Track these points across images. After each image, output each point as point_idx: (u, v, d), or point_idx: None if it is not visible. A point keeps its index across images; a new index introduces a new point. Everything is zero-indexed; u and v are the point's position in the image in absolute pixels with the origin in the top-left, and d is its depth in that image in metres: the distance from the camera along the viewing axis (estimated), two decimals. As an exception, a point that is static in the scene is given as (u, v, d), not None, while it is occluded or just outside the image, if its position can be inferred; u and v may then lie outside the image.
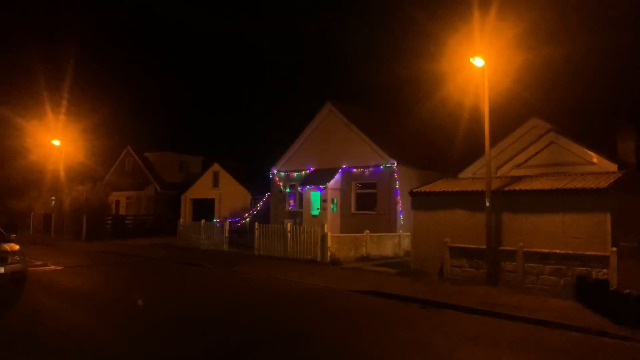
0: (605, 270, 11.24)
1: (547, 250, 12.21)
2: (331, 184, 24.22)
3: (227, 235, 21.91)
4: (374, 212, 23.20)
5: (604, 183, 11.84)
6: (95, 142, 36.42)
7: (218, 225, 22.70)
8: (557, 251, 12.04)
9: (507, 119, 21.09)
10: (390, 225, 21.96)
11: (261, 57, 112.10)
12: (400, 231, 20.96)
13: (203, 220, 23.32)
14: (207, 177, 33.10)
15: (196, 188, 33.58)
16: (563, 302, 10.85)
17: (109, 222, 31.23)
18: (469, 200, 14.02)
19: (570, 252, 11.83)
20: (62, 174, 31.80)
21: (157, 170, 38.81)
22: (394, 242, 20.47)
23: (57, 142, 31.05)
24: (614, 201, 11.69)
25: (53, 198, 37.56)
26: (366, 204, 23.82)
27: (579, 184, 12.37)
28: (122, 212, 37.25)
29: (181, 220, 25.76)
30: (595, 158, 16.06)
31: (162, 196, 36.75)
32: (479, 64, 13.10)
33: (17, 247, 12.41)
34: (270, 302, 11.52)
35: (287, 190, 27.02)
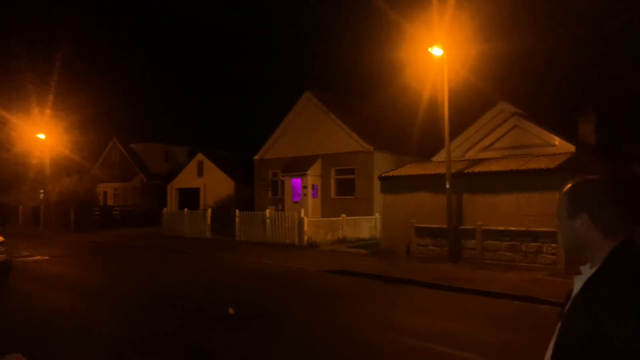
0: (554, 244, 12.07)
1: (503, 228, 13.03)
2: (311, 170, 24.93)
3: (209, 223, 22.59)
4: (353, 197, 23.97)
5: (553, 164, 12.62)
6: (82, 135, 36.80)
7: (201, 213, 23.36)
8: (512, 228, 12.86)
9: (479, 103, 21.84)
10: (368, 209, 22.75)
11: (240, 47, 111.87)
12: (377, 214, 21.73)
13: (186, 209, 23.98)
14: (192, 166, 33.68)
15: (181, 178, 34.16)
16: (514, 275, 11.70)
17: (97, 213, 31.78)
18: (432, 182, 14.78)
19: (524, 229, 12.65)
20: (48, 167, 32.24)
21: (144, 161, 39.29)
22: (370, 225, 21.28)
23: (42, 135, 31.44)
24: (562, 180, 12.43)
25: (41, 191, 37.99)
26: (345, 189, 24.59)
27: (531, 165, 13.15)
28: (109, 203, 37.79)
29: (166, 209, 26.39)
30: (556, 140, 16.86)
31: (148, 186, 37.30)
32: (437, 54, 13.75)
33: (2, 238, 13.00)
34: (245, 283, 12.25)
35: (270, 178, 27.71)
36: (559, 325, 1.70)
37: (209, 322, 8.29)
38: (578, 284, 1.70)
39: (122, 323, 8.26)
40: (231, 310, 5.99)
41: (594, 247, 1.66)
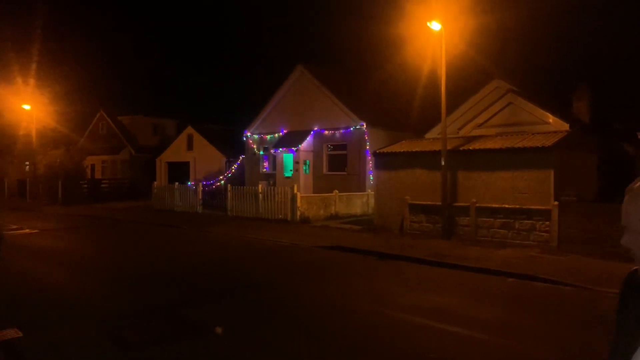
0: (547, 222, 12.15)
1: (497, 205, 13.06)
2: (303, 145, 24.73)
3: (200, 197, 22.44)
4: (345, 173, 23.89)
5: (549, 142, 12.59)
6: (68, 106, 36.09)
7: (192, 188, 23.17)
8: (506, 206, 12.90)
9: (473, 80, 21.67)
10: (360, 185, 22.72)
11: (232, 18, 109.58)
12: (369, 190, 21.71)
13: (177, 183, 23.76)
14: (182, 140, 33.27)
15: (171, 151, 33.77)
16: (507, 252, 11.78)
17: (85, 186, 31.41)
18: (427, 159, 14.71)
19: (518, 206, 12.69)
20: (34, 139, 31.66)
21: (132, 134, 38.72)
22: (363, 201, 21.28)
23: (27, 106, 30.76)
24: (557, 158, 12.49)
25: (27, 163, 37.39)
26: (337, 164, 24.47)
27: (527, 143, 13.11)
28: (97, 176, 37.35)
29: (156, 183, 26.14)
30: (550, 118, 16.80)
31: (137, 160, 36.85)
32: (435, 28, 13.51)
33: (-11, 211, 12.77)
34: (238, 257, 12.23)
35: (261, 152, 27.48)
36: None
37: (201, 295, 8.27)
38: None
39: (114, 297, 8.24)
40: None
41: None
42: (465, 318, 6.98)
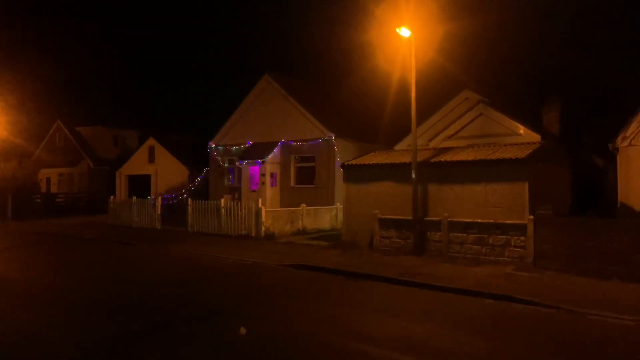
0: (522, 237, 11.61)
1: (470, 220, 12.47)
2: (270, 158, 23.86)
3: (159, 212, 21.21)
4: (313, 186, 23.11)
5: (523, 154, 12.12)
6: (23, 116, 34.19)
7: (151, 202, 21.91)
8: (480, 220, 12.32)
9: (443, 91, 21.33)
10: (329, 198, 21.96)
11: (197, 25, 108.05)
12: (338, 204, 20.96)
13: (134, 197, 22.45)
14: (143, 152, 31.85)
15: (131, 164, 32.29)
16: (482, 270, 11.16)
17: (38, 200, 29.61)
18: (398, 172, 14.06)
19: (492, 221, 12.13)
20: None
21: (91, 146, 36.98)
22: (332, 215, 20.51)
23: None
24: (532, 171, 12.01)
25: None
26: (305, 177, 23.68)
27: (500, 154, 12.62)
28: (53, 189, 35.40)
29: (112, 197, 24.72)
30: (521, 129, 16.51)
31: (96, 172, 35.15)
32: (405, 35, 12.95)
33: None
34: (195, 279, 11.20)
35: (226, 164, 26.46)
36: None
37: (150, 326, 7.28)
38: None
39: (57, 328, 7.25)
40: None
41: None
42: (447, 352, 6.22)
